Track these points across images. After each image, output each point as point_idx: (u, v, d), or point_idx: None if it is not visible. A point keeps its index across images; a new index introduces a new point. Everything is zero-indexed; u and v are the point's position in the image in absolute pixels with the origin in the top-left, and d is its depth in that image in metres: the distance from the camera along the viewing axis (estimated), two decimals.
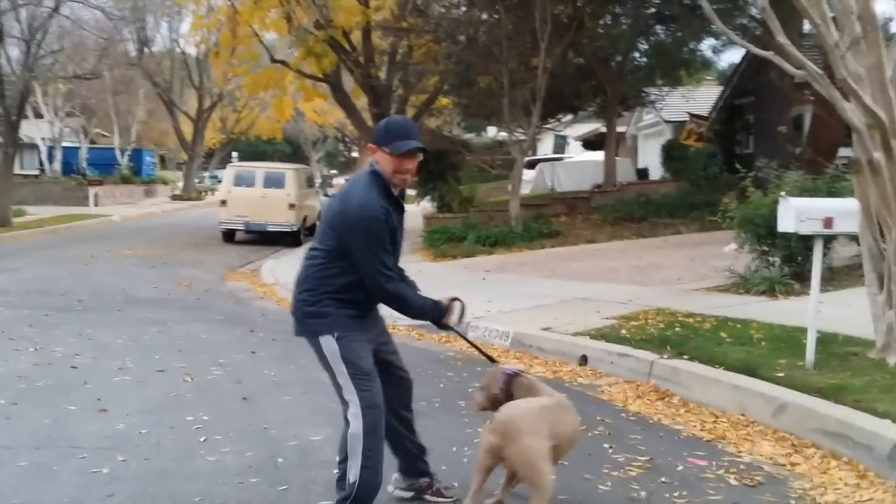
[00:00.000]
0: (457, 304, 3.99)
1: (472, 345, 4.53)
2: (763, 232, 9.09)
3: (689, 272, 10.98)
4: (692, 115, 23.37)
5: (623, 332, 7.38)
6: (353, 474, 3.67)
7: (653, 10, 18.94)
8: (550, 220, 17.51)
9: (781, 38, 5.71)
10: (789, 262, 9.22)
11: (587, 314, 8.45)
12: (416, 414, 5.50)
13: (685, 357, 6.31)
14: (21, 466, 4.47)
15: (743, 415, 5.33)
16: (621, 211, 18.18)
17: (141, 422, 5.28)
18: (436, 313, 3.91)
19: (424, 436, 5.03)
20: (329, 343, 3.68)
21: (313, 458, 4.65)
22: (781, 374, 5.56)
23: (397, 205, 3.77)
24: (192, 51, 40.40)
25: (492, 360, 4.24)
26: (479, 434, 5.08)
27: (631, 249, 13.86)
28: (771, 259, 9.34)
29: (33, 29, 25.00)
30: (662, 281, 10.52)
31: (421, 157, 3.76)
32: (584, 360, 7.01)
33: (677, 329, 7.31)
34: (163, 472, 4.37)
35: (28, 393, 6.07)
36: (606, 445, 4.84)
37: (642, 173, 28.41)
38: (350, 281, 3.69)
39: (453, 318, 3.97)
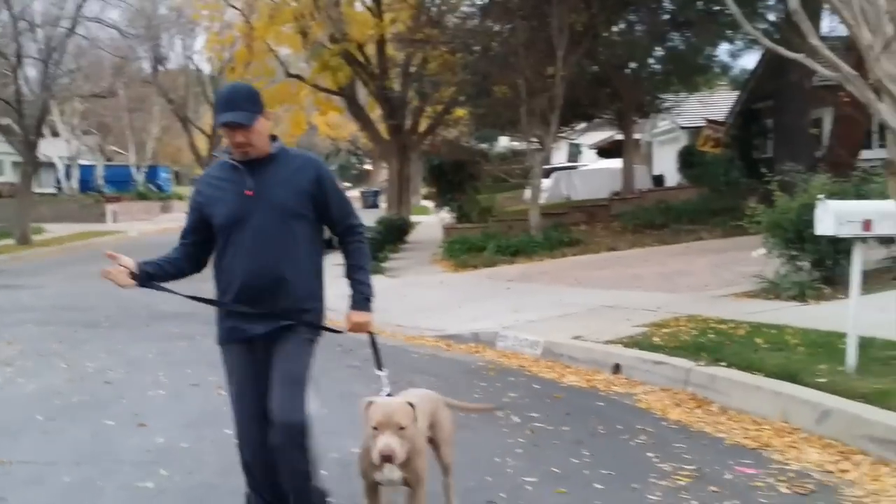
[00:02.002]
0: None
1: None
2: (791, 236, 9.01)
3: (716, 278, 10.90)
4: (708, 121, 23.32)
5: (656, 339, 7.33)
6: None
7: (668, 16, 18.90)
8: (570, 229, 17.45)
9: (814, 40, 5.67)
10: (819, 266, 9.13)
11: (616, 322, 8.40)
12: (456, 425, 5.50)
13: (722, 364, 6.25)
14: (65, 482, 4.47)
15: (786, 422, 5.25)
16: (642, 218, 18.10)
17: (181, 436, 5.27)
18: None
19: (465, 447, 5.01)
20: None
21: (355, 471, 4.60)
22: (823, 380, 5.49)
23: (235, 169, 3.45)
24: (206, 67, 40.69)
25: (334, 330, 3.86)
26: (520, 444, 5.06)
27: (654, 256, 13.79)
28: (800, 263, 9.25)
29: (50, 49, 25.27)
30: (689, 287, 10.45)
31: (251, 129, 3.37)
32: (617, 368, 6.96)
33: (711, 336, 7.24)
34: (208, 487, 4.36)
35: (64, 409, 6.08)
36: (650, 454, 4.79)
37: (658, 180, 28.35)
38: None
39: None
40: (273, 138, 3.53)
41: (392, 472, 3.28)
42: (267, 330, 3.46)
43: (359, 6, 22.31)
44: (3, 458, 4.90)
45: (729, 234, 14.93)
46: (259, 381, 3.47)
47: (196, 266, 3.63)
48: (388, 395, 3.36)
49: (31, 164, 25.75)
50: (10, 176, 40.79)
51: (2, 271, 18.09)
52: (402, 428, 3.14)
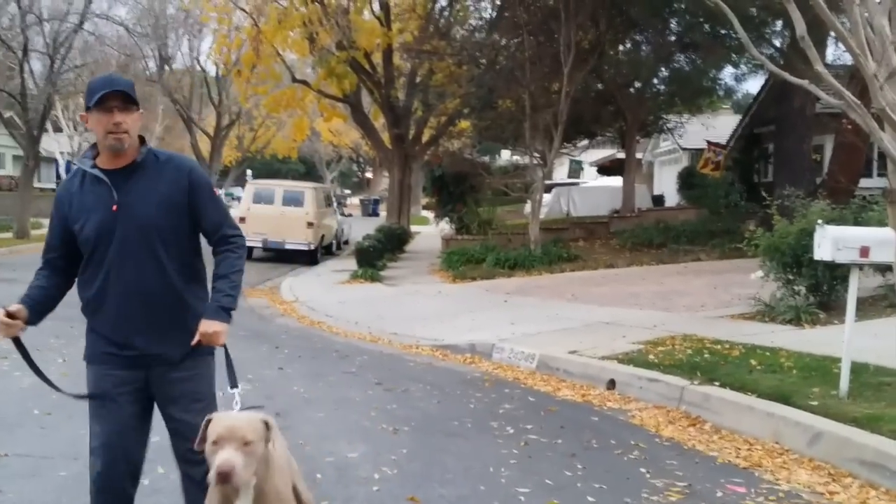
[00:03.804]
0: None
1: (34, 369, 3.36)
2: (789, 260, 9.09)
3: (712, 299, 10.97)
4: (710, 143, 23.42)
5: (651, 357, 7.38)
6: None
7: (674, 37, 19.04)
8: (569, 245, 17.53)
9: (819, 67, 5.74)
10: (815, 291, 9.19)
11: (613, 338, 8.45)
12: (450, 434, 5.55)
13: (716, 383, 6.30)
14: (61, 476, 4.50)
15: (777, 442, 5.31)
16: (640, 237, 18.18)
17: None
18: None
19: (459, 455, 5.07)
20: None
21: (351, 475, 4.66)
22: (815, 403, 5.55)
23: (98, 181, 3.09)
24: (211, 69, 40.81)
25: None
26: (514, 455, 5.10)
27: (651, 275, 13.85)
28: (797, 288, 9.32)
29: (57, 44, 25.27)
30: (686, 307, 10.51)
31: (132, 110, 3.05)
32: (612, 384, 7.01)
33: (706, 355, 7.30)
34: None
35: (60, 404, 6.04)
36: (643, 470, 4.83)
37: (658, 200, 28.46)
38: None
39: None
40: (141, 141, 3.17)
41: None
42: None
43: (367, 15, 22.39)
44: (0, 451, 4.93)
45: (727, 256, 15.01)
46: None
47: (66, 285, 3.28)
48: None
49: (33, 159, 25.74)
50: (11, 169, 40.85)
51: (0, 264, 18.12)
52: (247, 444, 2.61)
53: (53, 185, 42.27)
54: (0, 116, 27.02)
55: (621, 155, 26.59)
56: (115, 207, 3.05)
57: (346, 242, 25.17)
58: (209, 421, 2.70)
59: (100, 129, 3.02)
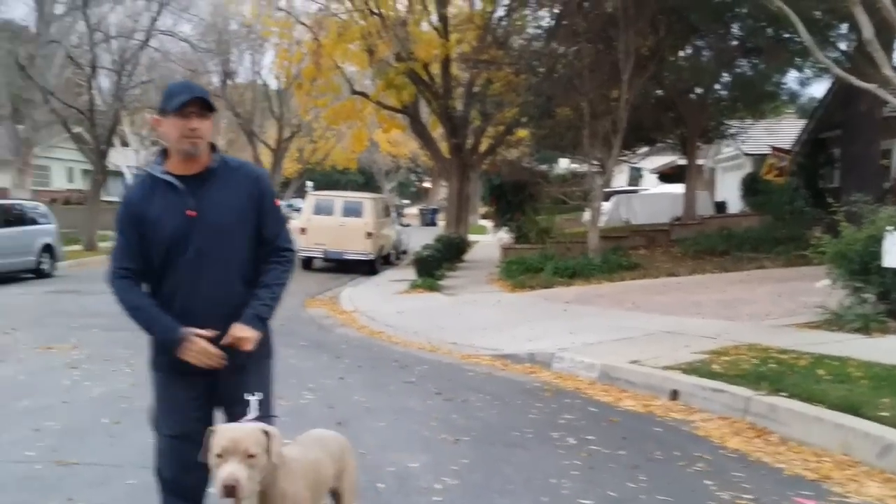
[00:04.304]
0: (198, 341, 3.07)
1: None
2: (857, 267, 8.85)
3: (777, 307, 10.74)
4: (774, 149, 22.99)
5: (715, 367, 7.26)
6: None
7: (736, 42, 18.73)
8: (629, 253, 17.33)
9: (887, 71, 5.62)
10: (885, 298, 8.93)
11: (675, 348, 8.33)
12: (510, 445, 5.54)
13: (783, 394, 6.17)
14: (129, 484, 4.60)
15: (847, 454, 5.17)
16: (703, 244, 17.90)
17: None
18: (166, 336, 3.11)
19: (519, 466, 5.06)
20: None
21: (413, 485, 4.68)
22: (886, 414, 5.39)
23: (171, 186, 3.13)
24: (273, 82, 41.46)
25: None
26: (576, 466, 5.06)
27: (714, 283, 13.63)
28: (865, 295, 9.07)
29: (124, 60, 25.97)
30: (750, 316, 10.31)
31: (208, 117, 3.11)
32: (675, 394, 6.91)
33: (772, 365, 7.15)
34: None
35: (129, 412, 6.25)
36: (708, 482, 4.76)
37: (720, 206, 28.00)
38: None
39: (192, 356, 3.07)
40: (212, 147, 3.21)
41: None
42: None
43: (425, 26, 22.57)
44: (70, 458, 5.07)
45: (792, 263, 14.71)
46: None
47: None
48: (253, 420, 2.88)
49: (101, 173, 26.49)
50: (80, 183, 42.01)
51: (70, 276, 18.67)
52: (251, 456, 2.66)
53: (120, 199, 43.44)
54: (69, 132, 27.85)
55: (682, 161, 26.24)
56: (190, 213, 3.09)
57: (405, 252, 25.32)
58: (212, 433, 2.74)
59: (176, 134, 3.07)
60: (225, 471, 2.61)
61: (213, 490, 2.64)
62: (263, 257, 3.25)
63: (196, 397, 3.20)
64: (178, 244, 3.09)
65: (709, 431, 5.92)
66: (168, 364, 3.17)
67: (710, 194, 29.63)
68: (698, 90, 21.10)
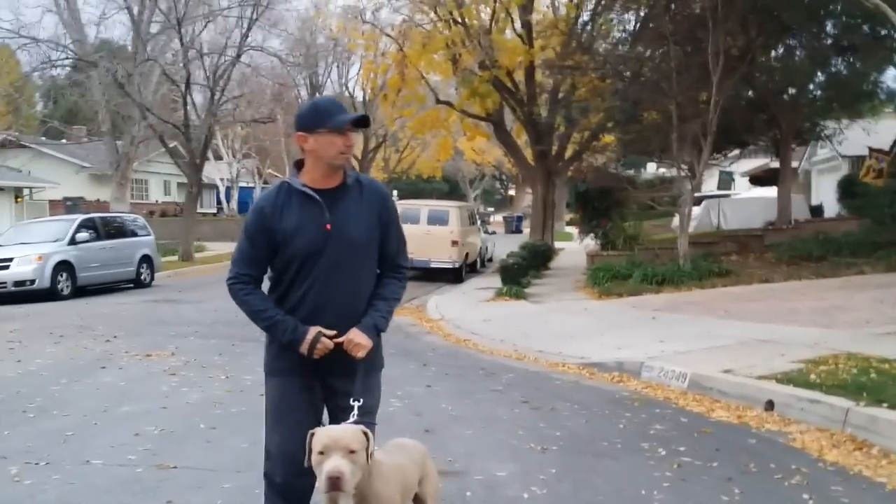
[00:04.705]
0: (325, 340, 3.19)
1: None
2: None
3: (878, 315, 10.32)
4: (872, 150, 22.13)
5: (812, 376, 7.00)
6: None
7: (830, 40, 18.14)
8: (720, 259, 16.93)
9: None
10: None
11: (770, 357, 8.08)
12: (599, 455, 5.46)
13: (884, 405, 5.91)
14: (225, 488, 4.72)
15: None
16: (798, 250, 17.33)
17: None
18: (294, 335, 3.20)
19: (609, 477, 4.98)
20: None
21: (501, 494, 4.66)
22: None
23: (309, 199, 3.23)
24: (359, 94, 42.08)
25: None
26: (667, 478, 4.95)
27: (811, 290, 13.18)
28: None
29: (217, 76, 26.74)
30: (849, 324, 9.93)
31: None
32: (770, 405, 6.70)
33: (872, 375, 6.86)
34: None
35: (225, 418, 6.41)
36: (806, 496, 4.59)
37: (816, 210, 27.09)
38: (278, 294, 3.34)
39: (303, 348, 3.19)
40: None
41: None
42: None
43: (509, 33, 22.56)
44: (169, 462, 5.22)
45: (893, 268, 14.15)
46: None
47: None
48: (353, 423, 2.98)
49: (196, 186, 27.35)
50: (176, 196, 43.50)
51: (167, 286, 19.28)
52: (352, 451, 2.75)
53: (214, 210, 44.73)
54: (166, 146, 28.84)
55: (775, 164, 25.48)
56: (327, 226, 3.20)
57: (490, 260, 25.31)
58: (312, 435, 2.84)
59: (333, 150, 3.19)
60: (329, 464, 2.70)
61: (318, 486, 2.74)
62: (381, 271, 3.39)
63: (310, 401, 3.30)
64: (313, 255, 3.20)
65: (806, 443, 5.72)
66: (286, 368, 3.28)
67: (805, 198, 28.72)
68: (791, 91, 20.49)
